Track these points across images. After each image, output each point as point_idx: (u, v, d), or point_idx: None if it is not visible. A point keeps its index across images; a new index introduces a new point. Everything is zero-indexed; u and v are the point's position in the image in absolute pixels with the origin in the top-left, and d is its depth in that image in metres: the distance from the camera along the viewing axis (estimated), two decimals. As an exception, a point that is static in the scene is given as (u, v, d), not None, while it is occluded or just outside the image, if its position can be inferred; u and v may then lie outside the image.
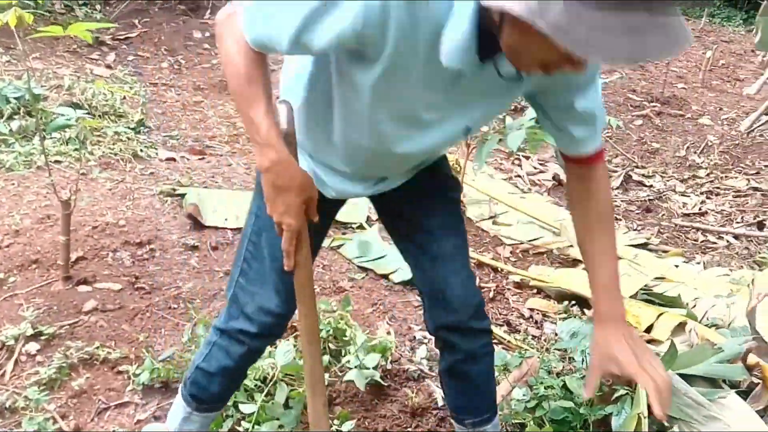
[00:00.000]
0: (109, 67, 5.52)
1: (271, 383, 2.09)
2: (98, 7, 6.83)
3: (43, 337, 2.33)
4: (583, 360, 2.17)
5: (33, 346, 2.30)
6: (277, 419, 1.95)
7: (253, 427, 1.94)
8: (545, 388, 2.05)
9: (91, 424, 2.05)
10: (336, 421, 2.05)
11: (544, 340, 2.59)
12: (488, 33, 1.13)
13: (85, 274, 2.72)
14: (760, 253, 3.60)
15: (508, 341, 2.55)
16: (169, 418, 1.83)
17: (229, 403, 2.01)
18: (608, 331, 1.47)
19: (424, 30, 1.15)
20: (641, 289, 2.85)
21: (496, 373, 2.23)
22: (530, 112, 3.22)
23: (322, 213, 1.45)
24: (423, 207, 1.66)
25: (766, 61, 4.01)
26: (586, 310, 2.76)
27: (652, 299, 2.74)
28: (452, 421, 1.86)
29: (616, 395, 1.91)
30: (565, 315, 2.74)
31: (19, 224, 3.02)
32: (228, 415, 2.03)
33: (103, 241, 2.98)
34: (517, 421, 2.05)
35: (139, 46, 6.13)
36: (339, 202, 1.69)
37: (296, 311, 1.51)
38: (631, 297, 2.73)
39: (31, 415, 2.01)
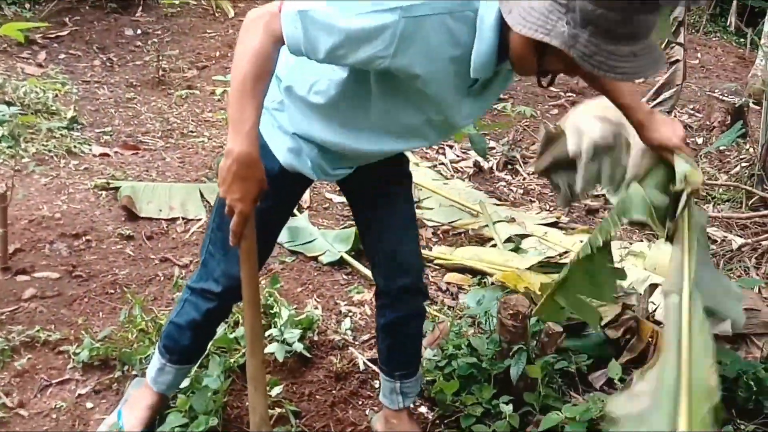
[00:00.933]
0: (40, 65, 5.53)
1: (205, 356, 2.27)
2: (27, 5, 6.79)
3: (-16, 324, 2.45)
4: (486, 321, 2.42)
5: (-26, 332, 2.42)
6: (211, 387, 2.12)
7: (188, 396, 2.11)
8: (453, 347, 2.29)
9: (35, 400, 2.20)
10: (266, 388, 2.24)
11: (458, 309, 2.84)
12: (504, 43, 1.40)
13: (24, 265, 2.84)
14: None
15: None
16: (148, 369, 2.04)
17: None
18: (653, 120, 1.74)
19: (448, 50, 1.41)
20: (544, 261, 3.15)
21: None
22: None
23: (293, 197, 1.72)
24: (385, 186, 1.90)
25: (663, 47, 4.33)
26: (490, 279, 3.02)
27: (550, 270, 3.03)
28: (382, 375, 2.11)
29: (512, 351, 2.16)
30: (478, 287, 2.98)
31: (-45, 220, 3.10)
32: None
33: (40, 234, 3.09)
34: (429, 378, 2.29)
35: (70, 44, 6.13)
36: (307, 186, 1.90)
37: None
38: (528, 268, 3.01)
39: (-24, 393, 2.14)
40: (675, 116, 5.69)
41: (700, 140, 5.52)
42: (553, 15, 1.26)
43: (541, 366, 2.09)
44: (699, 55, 9.59)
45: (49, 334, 2.42)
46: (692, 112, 6.33)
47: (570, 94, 6.46)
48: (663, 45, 3.62)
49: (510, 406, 2.03)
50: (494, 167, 4.80)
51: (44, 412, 2.15)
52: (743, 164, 4.78)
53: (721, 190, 4.53)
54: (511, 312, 2.16)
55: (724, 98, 5.71)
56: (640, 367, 2.24)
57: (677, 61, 3.59)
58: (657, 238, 3.60)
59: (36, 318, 2.53)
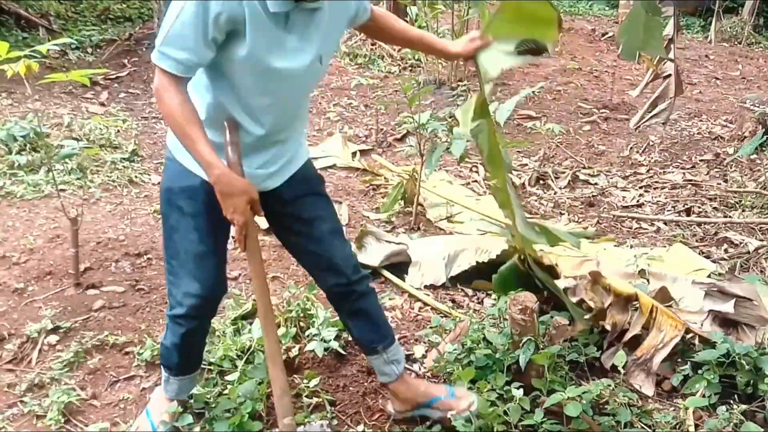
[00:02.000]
0: (102, 104, 6.02)
1: (249, 352, 2.57)
2: (90, 50, 7.37)
3: (61, 330, 2.81)
4: (500, 318, 2.66)
5: (53, 338, 2.78)
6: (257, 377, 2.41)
7: (236, 386, 2.40)
8: (471, 341, 2.54)
9: (105, 393, 2.53)
10: (305, 380, 2.52)
11: (482, 312, 3.07)
12: None
13: (93, 281, 3.20)
14: (684, 235, 4.09)
15: (449, 313, 3.03)
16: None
17: (214, 373, 2.52)
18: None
19: None
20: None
21: (433, 335, 2.74)
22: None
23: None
24: (301, 205, 2.14)
25: (646, 66, 4.51)
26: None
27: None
28: (369, 358, 2.38)
29: (522, 342, 2.39)
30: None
31: (33, 244, 3.50)
32: (215, 383, 2.51)
33: (106, 254, 3.46)
34: (449, 369, 2.53)
35: (129, 84, 6.64)
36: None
37: (218, 293, 2.10)
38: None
39: (57, 388, 2.48)
40: (683, 126, 5.78)
41: (731, 150, 5.63)
42: None
43: (547, 355, 2.31)
44: (740, 66, 9.63)
45: (116, 338, 2.77)
46: (725, 123, 6.44)
47: (603, 110, 6.64)
48: (655, 61, 3.82)
49: (520, 391, 2.25)
50: (526, 183, 5.02)
51: (113, 402, 2.48)
52: (772, 172, 4.89)
53: (749, 197, 4.65)
54: (520, 307, 2.39)
55: (756, 108, 5.80)
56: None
57: (669, 75, 3.78)
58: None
59: (105, 325, 2.88)
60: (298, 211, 2.14)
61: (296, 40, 1.83)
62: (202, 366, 2.53)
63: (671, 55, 3.91)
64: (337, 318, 2.77)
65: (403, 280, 3.36)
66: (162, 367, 2.29)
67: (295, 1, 1.76)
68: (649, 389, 2.51)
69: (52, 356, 2.69)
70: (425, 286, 3.34)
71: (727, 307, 2.58)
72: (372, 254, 3.46)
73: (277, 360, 1.95)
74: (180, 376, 2.26)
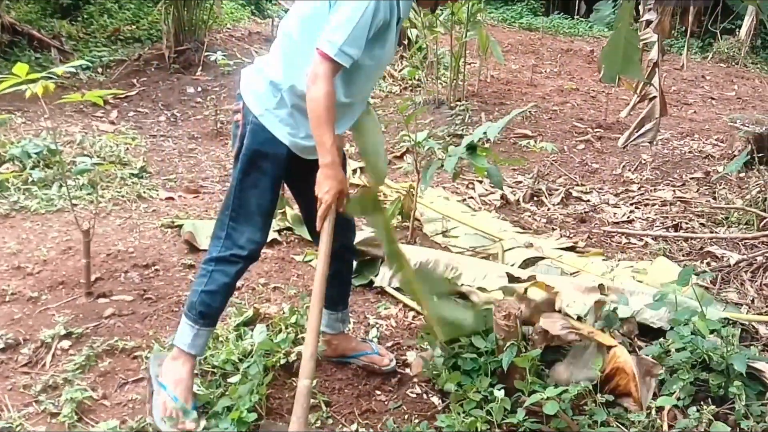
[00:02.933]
0: (112, 123, 6.24)
1: (250, 356, 2.74)
2: (100, 70, 7.60)
3: (73, 336, 2.97)
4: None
5: (66, 343, 2.93)
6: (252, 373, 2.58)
7: (236, 386, 2.57)
8: (458, 347, 2.70)
9: (115, 394, 2.68)
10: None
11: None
12: None
13: (103, 290, 3.37)
14: (670, 249, 4.25)
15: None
16: (179, 340, 2.50)
17: (217, 375, 2.68)
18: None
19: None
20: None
21: (425, 342, 2.89)
22: (465, 142, 3.91)
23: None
24: None
25: (633, 86, 4.68)
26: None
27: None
28: (328, 312, 2.75)
29: (506, 346, 2.55)
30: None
31: (46, 255, 3.68)
32: (218, 385, 2.67)
33: (116, 265, 3.64)
34: (436, 373, 2.69)
35: (138, 103, 6.86)
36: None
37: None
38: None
39: (69, 388, 2.64)
40: (687, 145, 5.96)
41: (721, 168, 5.80)
42: None
43: (528, 358, 2.47)
44: (736, 86, 9.82)
45: (125, 343, 2.93)
46: (716, 142, 6.62)
47: (598, 130, 6.82)
48: (639, 86, 4.00)
49: (502, 392, 2.40)
50: (521, 199, 5.19)
51: (122, 402, 2.64)
52: (758, 189, 5.04)
53: (735, 214, 4.80)
54: (504, 314, 2.56)
55: (746, 128, 5.97)
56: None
57: (654, 97, 3.96)
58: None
59: (114, 331, 3.05)
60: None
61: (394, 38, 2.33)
62: (205, 369, 2.70)
63: (655, 79, 4.09)
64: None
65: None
66: (190, 321, 2.46)
67: (436, 6, 2.49)
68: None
69: (65, 360, 2.84)
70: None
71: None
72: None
73: (315, 327, 2.18)
74: (211, 327, 2.51)
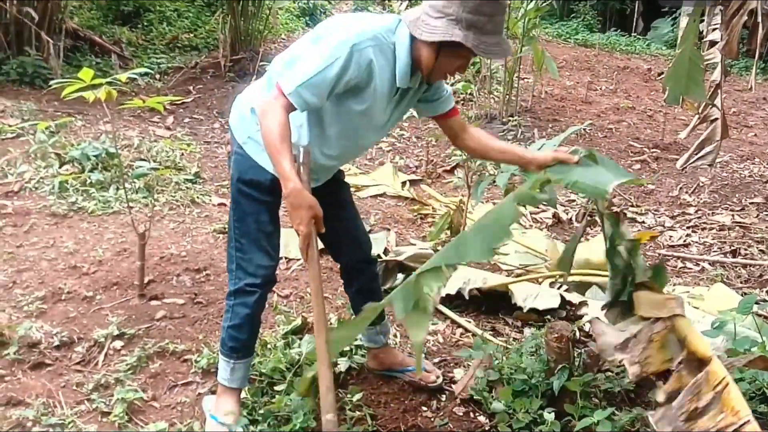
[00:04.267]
0: (168, 128, 6.36)
1: (298, 365, 2.74)
2: (158, 76, 7.77)
3: (125, 337, 3.02)
4: (536, 346, 2.77)
5: (118, 343, 2.99)
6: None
7: (283, 396, 2.57)
8: (508, 367, 2.66)
9: (164, 396, 2.72)
10: (349, 395, 2.67)
11: (522, 340, 3.18)
12: (415, 61, 2.15)
13: (156, 293, 3.43)
14: (728, 276, 4.13)
15: (490, 341, 3.15)
16: (219, 377, 2.51)
17: (265, 383, 2.69)
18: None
19: (388, 68, 2.14)
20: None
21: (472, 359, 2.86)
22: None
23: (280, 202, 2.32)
24: (336, 190, 2.56)
25: (695, 107, 4.57)
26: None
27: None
28: (367, 327, 2.73)
29: (557, 369, 2.50)
30: (540, 323, 3.32)
31: (102, 256, 3.76)
32: (264, 392, 2.68)
33: (169, 268, 3.69)
34: (483, 391, 2.66)
35: (194, 109, 6.99)
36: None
37: (278, 263, 2.47)
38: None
39: (121, 388, 2.68)
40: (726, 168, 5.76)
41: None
42: (450, 26, 2.03)
43: (580, 382, 2.41)
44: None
45: (176, 346, 2.97)
46: (777, 164, 6.42)
47: (654, 150, 6.68)
48: (701, 107, 3.90)
49: (552, 415, 2.36)
50: (573, 218, 5.10)
51: (171, 405, 2.67)
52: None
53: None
54: (556, 335, 2.51)
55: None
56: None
57: (716, 119, 3.85)
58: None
59: (165, 334, 3.09)
60: (333, 196, 2.49)
61: (392, 107, 2.30)
62: (252, 377, 2.71)
63: (717, 100, 3.99)
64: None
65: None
66: (225, 357, 2.47)
67: (426, 83, 2.28)
68: None
69: (117, 360, 2.89)
70: (465, 313, 3.47)
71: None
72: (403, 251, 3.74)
73: (325, 359, 2.09)
74: (245, 359, 2.49)
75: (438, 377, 2.85)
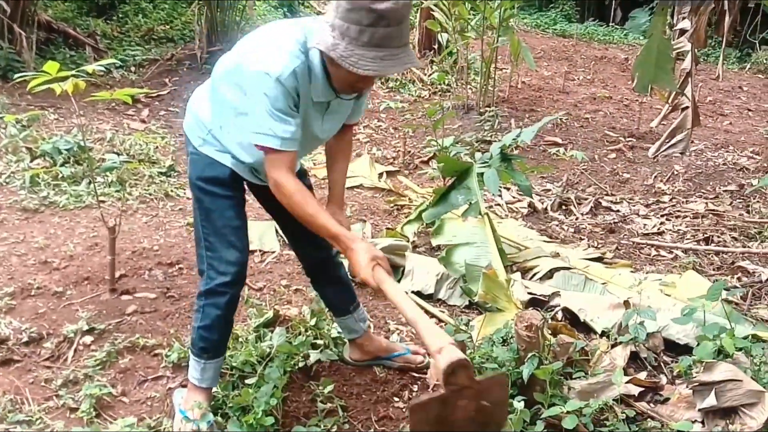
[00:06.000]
0: (143, 121, 6.30)
1: (269, 358, 2.73)
2: (133, 69, 7.69)
3: (95, 332, 2.99)
4: (507, 335, 2.77)
5: (88, 339, 2.96)
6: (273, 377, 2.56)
7: (254, 389, 2.56)
8: (479, 357, 2.66)
9: (134, 391, 2.70)
10: (321, 386, 2.66)
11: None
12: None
13: (127, 287, 3.39)
14: (700, 263, 4.16)
15: (462, 329, 3.15)
16: (190, 376, 2.49)
17: (236, 376, 2.67)
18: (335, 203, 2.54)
19: (307, 83, 2.09)
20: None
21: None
22: (494, 147, 3.87)
23: (242, 196, 2.42)
24: None
25: (665, 95, 4.60)
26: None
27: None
28: (342, 319, 2.81)
29: (527, 358, 2.51)
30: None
31: (73, 251, 3.72)
32: (234, 386, 2.67)
33: (141, 262, 3.66)
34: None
35: (170, 102, 6.92)
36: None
37: (247, 258, 2.43)
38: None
39: (90, 384, 2.65)
40: (719, 158, 5.83)
41: (756, 181, 5.67)
42: (325, 32, 1.93)
43: (549, 370, 2.42)
44: (775, 99, 9.61)
45: (146, 341, 2.94)
46: (751, 154, 6.48)
47: (630, 139, 6.72)
48: (672, 96, 3.92)
49: (522, 404, 2.36)
50: (549, 208, 5.12)
51: (141, 400, 2.65)
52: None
53: (771, 228, 4.69)
54: (525, 324, 2.51)
55: (783, 140, 5.84)
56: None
57: (686, 107, 3.87)
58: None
59: (136, 328, 3.06)
60: None
61: (329, 119, 2.29)
62: (223, 370, 2.69)
63: (688, 89, 4.01)
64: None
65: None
66: (195, 357, 2.44)
67: (336, 96, 2.18)
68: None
69: (87, 355, 2.86)
70: (440, 303, 3.48)
71: (712, 399, 2.46)
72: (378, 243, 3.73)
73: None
74: (216, 359, 2.46)
75: (425, 356, 2.87)
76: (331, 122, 2.33)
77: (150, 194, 4.58)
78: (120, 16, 9.41)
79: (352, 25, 1.85)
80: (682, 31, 3.85)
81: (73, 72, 3.09)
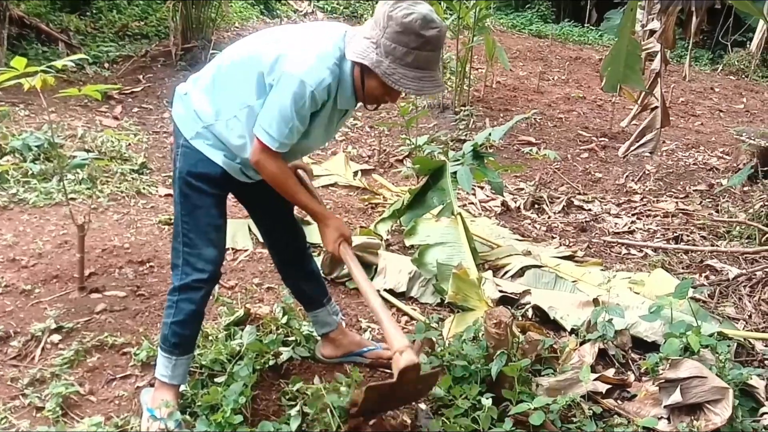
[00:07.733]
0: (116, 118, 6.23)
1: (239, 357, 2.72)
2: (106, 65, 7.61)
3: (63, 330, 2.96)
4: (477, 332, 2.79)
5: (56, 337, 2.93)
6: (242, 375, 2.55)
7: (223, 388, 2.54)
8: (449, 353, 2.67)
9: (102, 390, 2.67)
10: (290, 384, 2.65)
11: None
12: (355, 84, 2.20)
13: (97, 285, 3.36)
14: (669, 261, 4.22)
15: (433, 328, 3.17)
16: (158, 373, 2.47)
17: (205, 375, 2.66)
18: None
19: (334, 93, 2.19)
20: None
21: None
22: (466, 146, 3.90)
23: (226, 195, 2.47)
24: (274, 193, 2.41)
25: (635, 95, 4.66)
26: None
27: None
28: (315, 313, 2.83)
29: (496, 355, 2.53)
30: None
31: (42, 249, 3.67)
32: (204, 384, 2.65)
33: (111, 260, 3.63)
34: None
35: (143, 99, 6.86)
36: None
37: (224, 257, 2.48)
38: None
39: (56, 383, 2.62)
40: (683, 157, 5.90)
41: (725, 181, 5.76)
42: (369, 49, 2.07)
43: (517, 367, 2.44)
44: (744, 100, 9.77)
45: (115, 339, 2.92)
46: (721, 155, 6.57)
47: (602, 138, 6.78)
48: (642, 96, 3.96)
49: (490, 401, 2.38)
50: (521, 207, 5.16)
51: (109, 399, 2.63)
52: (762, 204, 5.00)
53: (738, 227, 4.76)
54: (494, 321, 2.53)
55: (752, 141, 5.93)
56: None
57: (656, 107, 3.92)
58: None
59: (105, 327, 3.03)
60: (266, 192, 2.44)
61: (333, 125, 2.36)
62: (193, 369, 2.68)
63: (657, 89, 4.06)
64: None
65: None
66: (166, 353, 2.43)
67: (355, 105, 2.30)
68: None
69: (54, 354, 2.83)
70: (412, 301, 3.50)
71: (677, 396, 2.51)
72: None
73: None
74: (187, 355, 2.46)
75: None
76: (332, 130, 2.42)
77: (121, 192, 4.54)
78: (94, 12, 9.28)
79: (399, 46, 2.02)
80: (652, 32, 3.89)
81: (42, 67, 3.05)
